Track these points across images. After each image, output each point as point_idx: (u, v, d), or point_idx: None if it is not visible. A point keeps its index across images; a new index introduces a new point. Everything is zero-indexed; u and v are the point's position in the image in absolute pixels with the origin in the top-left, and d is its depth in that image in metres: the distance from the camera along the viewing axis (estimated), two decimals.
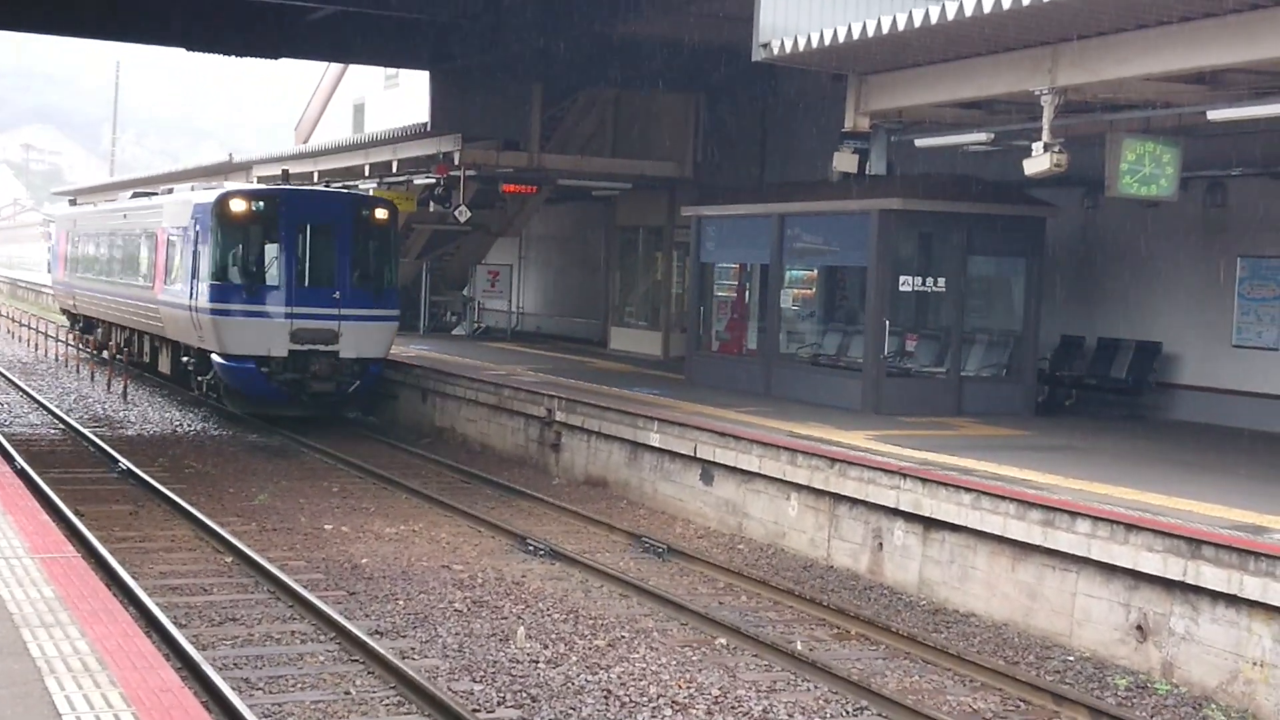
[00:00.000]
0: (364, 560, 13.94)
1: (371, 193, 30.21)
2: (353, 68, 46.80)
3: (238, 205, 22.91)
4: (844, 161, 17.04)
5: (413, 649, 10.92)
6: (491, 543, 15.07)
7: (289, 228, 22.84)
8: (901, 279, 18.82)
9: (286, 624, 11.51)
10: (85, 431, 21.79)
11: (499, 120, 27.08)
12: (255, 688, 9.80)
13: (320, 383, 22.79)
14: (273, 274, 22.87)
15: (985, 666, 10.96)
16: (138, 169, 64.94)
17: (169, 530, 15.03)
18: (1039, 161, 14.14)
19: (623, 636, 11.53)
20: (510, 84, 26.52)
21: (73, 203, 42.98)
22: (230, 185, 27.06)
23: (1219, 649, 10.45)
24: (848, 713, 9.93)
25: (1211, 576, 10.43)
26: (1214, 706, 10.28)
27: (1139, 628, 11.12)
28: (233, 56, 25.84)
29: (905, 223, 18.86)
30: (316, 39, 24.90)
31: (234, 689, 9.37)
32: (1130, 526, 11.22)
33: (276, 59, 26.37)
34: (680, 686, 10.25)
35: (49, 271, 44.41)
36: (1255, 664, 10.16)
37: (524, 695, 9.86)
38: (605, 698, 9.90)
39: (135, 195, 32.89)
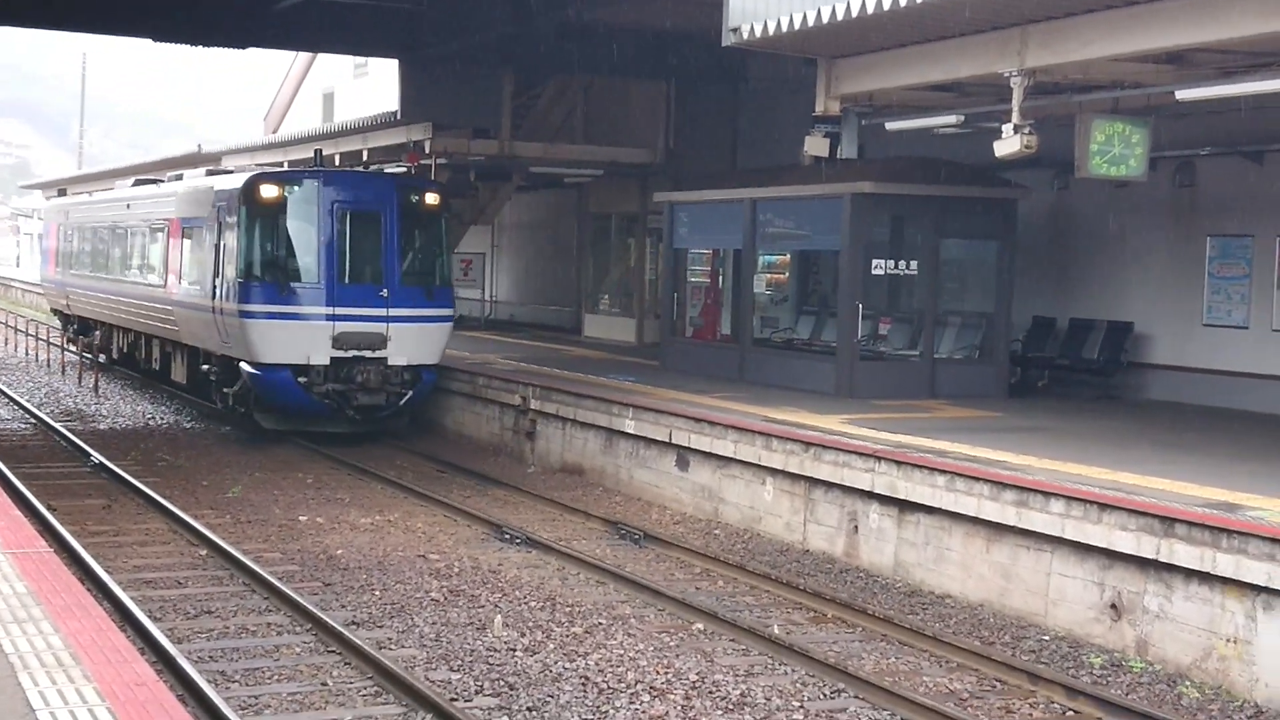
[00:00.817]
0: (339, 551, 13.90)
1: None
2: (322, 57, 46.58)
3: (269, 190, 20.18)
4: (815, 145, 17.04)
5: (390, 639, 10.90)
6: (468, 532, 15.04)
7: (329, 215, 20.12)
8: (874, 262, 18.86)
9: (262, 616, 11.47)
10: (57, 426, 21.66)
11: (470, 108, 26.98)
12: (231, 680, 9.76)
13: (367, 394, 19.98)
14: (311, 269, 20.14)
15: (961, 647, 11.00)
16: (107, 161, 64.51)
17: (143, 524, 14.95)
18: (1009, 143, 14.17)
19: (600, 623, 11.53)
20: (481, 72, 26.43)
21: (62, 193, 39.41)
22: (259, 165, 24.95)
23: (1193, 626, 10.51)
24: (825, 695, 9.96)
25: (1185, 554, 10.49)
26: (1188, 684, 10.35)
27: (1113, 606, 11.18)
28: (201, 47, 25.65)
29: (877, 206, 18.89)
30: (285, 28, 24.74)
31: (210, 682, 9.34)
32: (1104, 506, 11.27)
33: (245, 49, 26.18)
34: (658, 672, 10.26)
35: (41, 267, 39.36)
36: (1229, 641, 10.23)
37: (502, 683, 9.86)
38: (583, 684, 9.90)
39: (138, 183, 29.47)
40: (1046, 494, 11.78)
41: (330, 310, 19.98)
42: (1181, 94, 13.83)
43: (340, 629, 10.73)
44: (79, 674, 6.65)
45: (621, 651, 10.75)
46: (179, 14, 23.71)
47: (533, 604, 12.07)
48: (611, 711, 9.36)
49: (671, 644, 11.02)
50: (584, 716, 9.25)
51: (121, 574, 12.47)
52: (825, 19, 14.38)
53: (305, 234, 20.27)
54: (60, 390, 27.50)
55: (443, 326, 20.80)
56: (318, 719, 9.08)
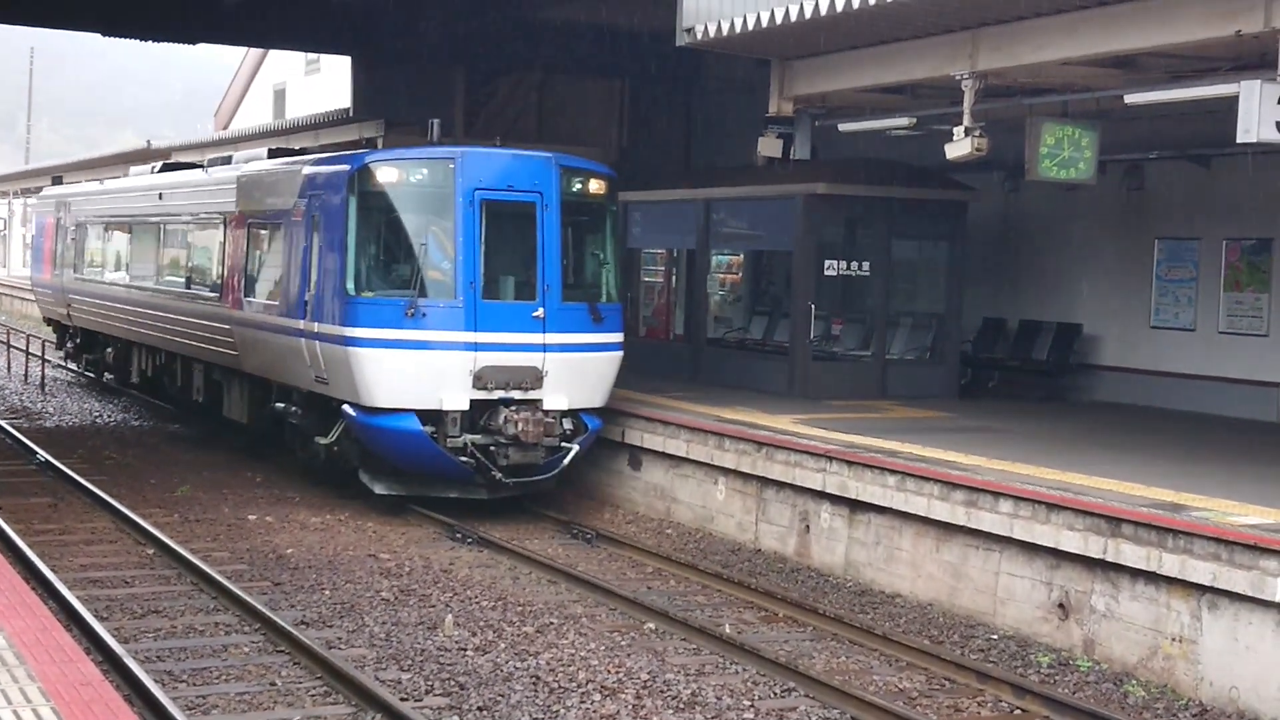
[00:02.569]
0: (289, 550, 13.81)
1: None
2: (273, 53, 46.27)
3: (390, 173, 15.31)
4: (768, 146, 17.09)
5: (339, 639, 10.84)
6: (419, 531, 14.98)
7: (469, 207, 15.03)
8: (826, 263, 18.94)
9: (210, 616, 11.38)
10: (2, 423, 21.39)
11: (422, 105, 26.80)
12: (179, 680, 9.68)
13: (520, 451, 14.90)
14: (445, 281, 15.09)
15: (911, 646, 11.06)
16: (54, 156, 63.82)
17: (89, 523, 14.81)
18: (960, 146, 14.26)
19: (551, 623, 11.51)
20: (434, 68, 26.33)
21: (57, 180, 32.99)
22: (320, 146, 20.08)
23: (1139, 625, 10.61)
24: (776, 694, 9.99)
25: (1131, 554, 10.59)
26: (1134, 682, 10.45)
27: (1061, 606, 11.27)
28: (150, 41, 25.45)
29: (830, 207, 18.97)
30: (236, 23, 24.56)
31: (157, 682, 9.25)
32: (1052, 506, 11.37)
33: (195, 44, 26.03)
34: (609, 671, 10.26)
35: (32, 269, 32.79)
36: (1174, 640, 10.34)
37: (452, 683, 9.83)
38: (534, 684, 9.88)
39: (165, 168, 24.44)
40: (995, 494, 11.87)
41: (471, 337, 14.90)
42: (1130, 98, 13.97)
43: (289, 628, 10.66)
44: (23, 673, 6.58)
45: (573, 651, 10.74)
46: (128, 8, 23.51)
47: (484, 603, 12.04)
48: (562, 711, 9.35)
49: (623, 643, 11.02)
50: (535, 716, 9.23)
51: (67, 573, 12.34)
52: (779, 20, 14.42)
53: (438, 233, 15.28)
54: (5, 387, 27.19)
55: (611, 358, 15.74)
56: (266, 719, 9.01)
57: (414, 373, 14.82)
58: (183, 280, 20.99)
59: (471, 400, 14.88)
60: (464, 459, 14.84)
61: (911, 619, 12.11)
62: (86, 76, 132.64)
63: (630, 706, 9.52)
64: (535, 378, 15.08)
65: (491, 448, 14.91)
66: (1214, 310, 18.30)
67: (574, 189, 15.81)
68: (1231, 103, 11.72)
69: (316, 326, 15.57)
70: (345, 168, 15.59)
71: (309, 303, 15.81)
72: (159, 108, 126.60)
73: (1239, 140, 11.65)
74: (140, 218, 23.43)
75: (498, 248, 15.26)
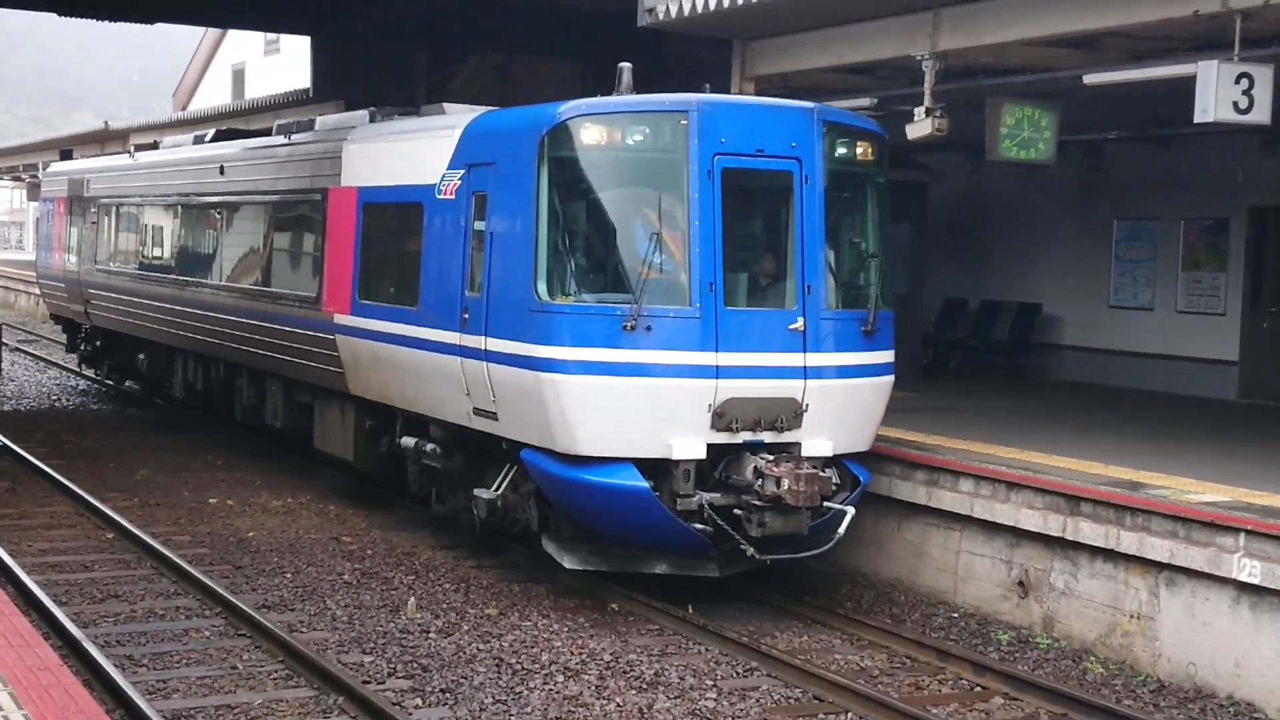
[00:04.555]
0: (250, 534, 13.74)
1: None
2: (232, 33, 45.91)
3: (597, 133, 11.11)
4: None
5: (301, 622, 10.81)
6: (381, 514, 14.93)
7: (706, 180, 10.99)
8: None
9: (171, 600, 11.32)
10: None
11: (383, 86, 26.64)
12: (139, 665, 9.63)
13: (782, 517, 10.88)
14: (675, 282, 10.99)
15: (872, 625, 11.12)
16: (9, 137, 63.14)
17: (48, 507, 14.69)
18: (921, 126, 14.28)
19: (515, 605, 11.51)
20: (394, 49, 26.19)
21: (65, 155, 28.07)
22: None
23: (1097, 603, 10.70)
24: (738, 673, 10.02)
25: (1089, 532, 10.67)
26: (1093, 659, 10.54)
27: (1020, 584, 11.35)
28: (107, 21, 25.18)
29: None
30: (195, 3, 24.37)
31: (116, 666, 9.21)
32: (1011, 485, 11.44)
33: (152, 24, 25.76)
34: (573, 653, 10.27)
35: (38, 257, 27.72)
36: (1132, 616, 10.43)
37: (415, 665, 9.81)
38: (497, 666, 9.88)
39: (220, 136, 19.95)
40: (956, 473, 11.93)
41: (711, 359, 10.90)
42: (1090, 79, 14.02)
43: (251, 612, 10.62)
44: None
45: (536, 633, 10.74)
46: None
47: (447, 586, 12.02)
48: (526, 692, 9.35)
49: (586, 625, 11.03)
50: (498, 698, 9.24)
51: (25, 557, 12.25)
52: (740, 0, 14.40)
53: (665, 216, 11.04)
54: None
55: (884, 384, 11.90)
56: (228, 702, 8.98)
57: (634, 408, 10.78)
58: (258, 276, 16.81)
59: (709, 444, 10.90)
60: (700, 527, 10.83)
61: (873, 598, 12.17)
62: (42, 58, 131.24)
63: (593, 687, 9.53)
64: (793, 413, 11.09)
65: (736, 510, 10.94)
66: (1172, 290, 18.44)
67: (838, 153, 11.75)
68: (1189, 83, 11.78)
69: (485, 343, 11.52)
70: (533, 125, 11.34)
71: (468, 310, 11.83)
72: (116, 88, 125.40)
73: (1196, 120, 11.72)
74: (192, 197, 19.01)
75: (743, 236, 11.48)
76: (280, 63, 41.30)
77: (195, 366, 19.15)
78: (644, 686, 9.60)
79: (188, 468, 17.20)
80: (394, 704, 8.93)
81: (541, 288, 10.97)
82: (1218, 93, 11.45)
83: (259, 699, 9.04)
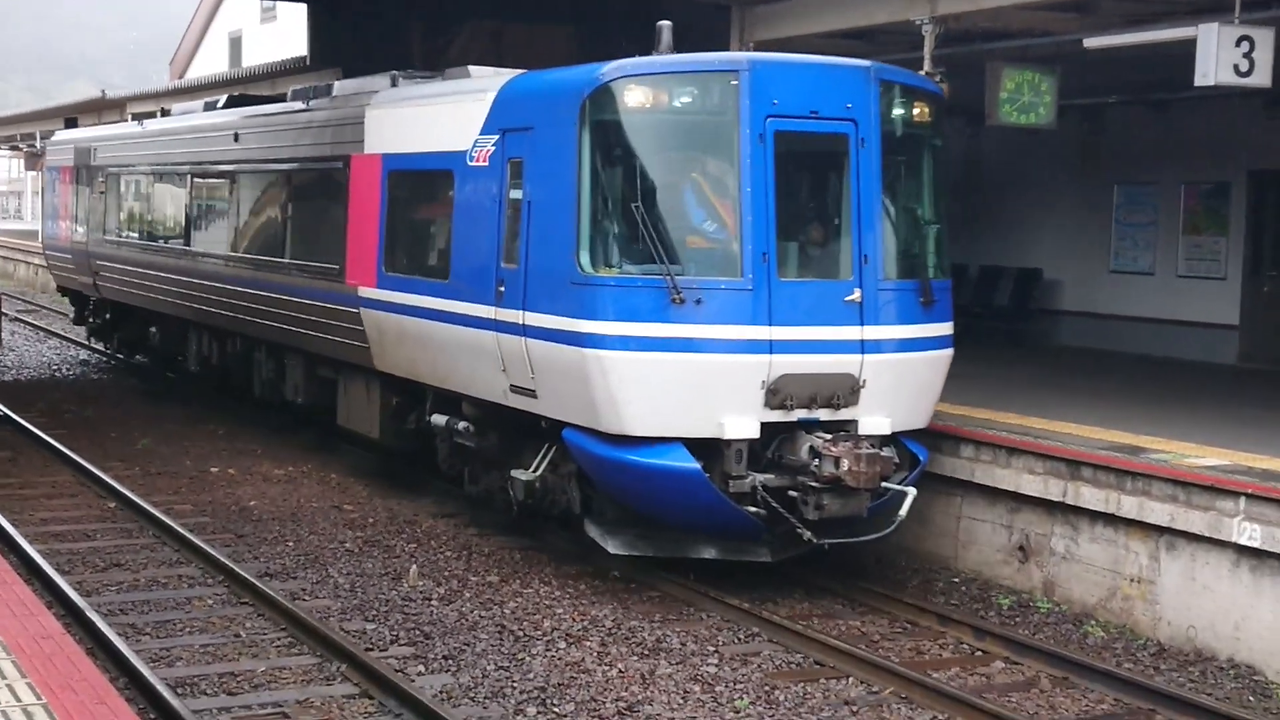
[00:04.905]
0: (252, 503, 13.77)
1: None
2: (228, 1, 45.72)
3: (642, 94, 10.64)
4: None
5: (304, 590, 10.84)
6: (383, 482, 14.95)
7: (761, 145, 10.46)
8: None
9: (173, 568, 11.35)
10: None
11: (379, 54, 26.54)
12: (142, 633, 9.66)
13: (841, 499, 10.42)
14: (723, 251, 10.58)
15: (873, 590, 11.15)
16: (6, 106, 62.94)
17: (49, 476, 14.71)
18: None
19: (516, 572, 11.54)
20: (390, 16, 26.09)
21: (70, 123, 27.65)
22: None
23: (1098, 567, 10.73)
24: (739, 639, 10.05)
25: (1090, 497, 10.69)
26: (1094, 623, 10.58)
27: (1021, 548, 11.38)
28: None
29: None
30: None
31: (120, 635, 9.24)
32: (1012, 450, 11.45)
33: None
34: (574, 619, 10.30)
35: (44, 228, 27.05)
36: (1132, 580, 10.46)
37: (417, 633, 9.85)
38: (499, 633, 9.91)
39: (233, 102, 19.10)
40: (957, 439, 11.94)
41: (765, 332, 10.42)
42: (1089, 42, 13.97)
43: (253, 580, 10.65)
44: None
45: (538, 600, 10.77)
46: None
47: (448, 553, 12.05)
48: (528, 659, 9.39)
49: (588, 591, 11.06)
50: (500, 664, 9.27)
51: (28, 527, 12.28)
52: None
53: (714, 182, 10.74)
54: None
55: (943, 358, 11.45)
56: (230, 670, 9.01)
57: (684, 385, 10.29)
58: (276, 246, 16.18)
59: (764, 423, 10.43)
60: (754, 510, 10.43)
61: (875, 563, 12.20)
62: (37, 26, 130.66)
63: (595, 653, 9.56)
64: (850, 389, 10.61)
65: (791, 491, 10.49)
66: (1173, 254, 18.41)
67: (895, 114, 11.14)
68: (1190, 47, 11.73)
69: (523, 317, 11.01)
70: (573, 88, 10.78)
71: (505, 283, 11.29)
72: (112, 56, 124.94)
73: (1196, 84, 11.68)
74: (205, 165, 18.30)
75: (796, 203, 10.89)
76: (277, 30, 41.14)
77: (211, 340, 18.59)
78: (645, 653, 9.64)
79: (188, 437, 17.22)
80: (396, 671, 8.97)
81: (584, 259, 10.44)
82: (1218, 56, 11.42)
83: (262, 667, 9.08)
